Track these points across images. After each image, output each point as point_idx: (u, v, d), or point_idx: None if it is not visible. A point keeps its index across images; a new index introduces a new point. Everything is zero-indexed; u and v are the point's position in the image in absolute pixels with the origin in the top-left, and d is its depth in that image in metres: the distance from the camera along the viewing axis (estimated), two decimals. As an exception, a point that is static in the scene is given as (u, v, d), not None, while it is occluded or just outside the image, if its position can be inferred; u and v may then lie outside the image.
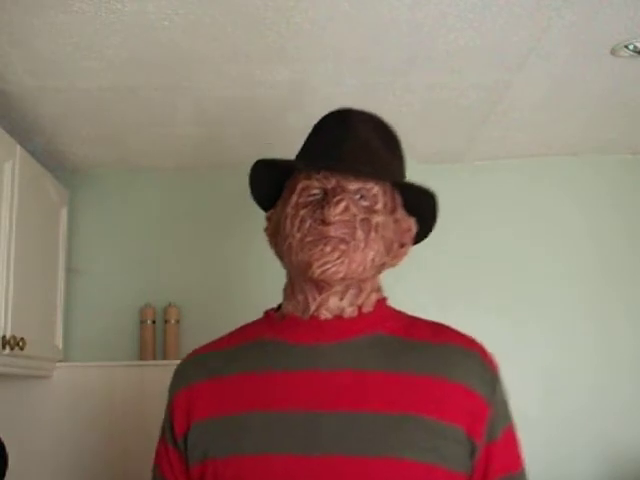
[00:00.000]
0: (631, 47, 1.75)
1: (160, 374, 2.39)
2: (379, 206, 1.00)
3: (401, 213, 1.05)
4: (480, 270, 2.49)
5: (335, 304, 1.00)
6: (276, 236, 1.05)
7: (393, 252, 1.05)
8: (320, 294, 1.00)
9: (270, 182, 1.07)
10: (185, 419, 1.01)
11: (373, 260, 0.99)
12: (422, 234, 1.11)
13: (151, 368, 2.36)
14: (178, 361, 2.77)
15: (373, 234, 0.98)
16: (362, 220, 0.98)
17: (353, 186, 0.98)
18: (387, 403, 0.92)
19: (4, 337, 1.82)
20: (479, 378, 0.97)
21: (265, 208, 1.12)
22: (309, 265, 0.95)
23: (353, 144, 1.00)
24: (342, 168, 0.98)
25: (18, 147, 1.97)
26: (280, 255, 1.04)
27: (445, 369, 0.96)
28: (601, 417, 2.36)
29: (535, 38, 1.70)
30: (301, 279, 1.00)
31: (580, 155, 2.59)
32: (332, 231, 0.96)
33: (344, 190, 0.98)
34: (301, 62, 1.79)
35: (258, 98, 2.01)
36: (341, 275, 0.96)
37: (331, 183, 0.98)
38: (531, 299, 2.47)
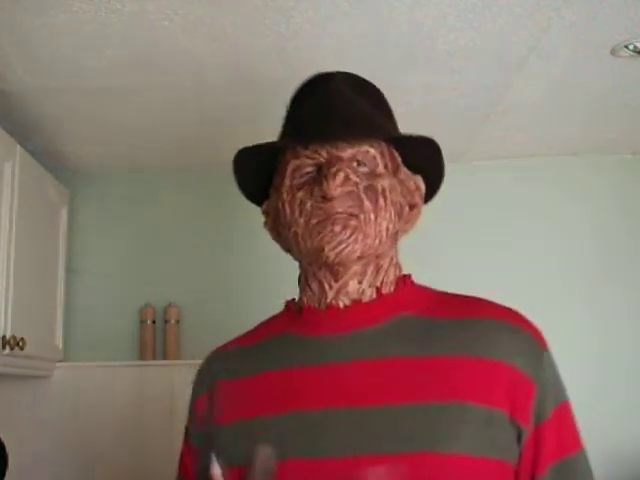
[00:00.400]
0: (631, 47, 1.75)
1: (160, 374, 2.41)
2: (380, 169, 0.91)
3: (404, 172, 0.96)
4: (480, 270, 2.49)
5: (354, 288, 0.91)
6: (277, 228, 0.97)
7: (405, 216, 0.95)
8: (337, 280, 0.90)
9: (257, 173, 0.98)
10: (207, 422, 0.95)
11: (387, 230, 0.90)
12: (431, 191, 1.01)
13: (151, 368, 2.36)
14: (178, 361, 2.76)
15: (382, 201, 0.89)
16: (366, 188, 0.88)
17: (347, 153, 0.89)
18: (421, 391, 0.82)
19: (4, 337, 1.82)
20: (522, 354, 0.85)
21: (257, 202, 1.03)
22: (320, 249, 0.87)
23: (337, 109, 0.91)
24: (331, 135, 0.89)
25: (18, 147, 1.97)
26: (286, 246, 0.96)
27: (483, 346, 0.85)
28: (601, 417, 2.36)
29: (535, 38, 1.70)
30: (314, 267, 0.92)
31: (580, 155, 2.59)
32: (337, 206, 0.86)
33: (339, 159, 0.88)
34: (301, 62, 1.79)
35: (258, 98, 2.01)
36: (357, 254, 0.87)
37: (322, 156, 0.89)
38: (531, 298, 2.46)
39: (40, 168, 2.17)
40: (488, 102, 2.09)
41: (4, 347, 1.82)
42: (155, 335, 2.43)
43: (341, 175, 0.87)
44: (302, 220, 0.89)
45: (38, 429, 2.31)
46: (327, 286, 0.91)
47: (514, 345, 0.86)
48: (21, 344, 1.88)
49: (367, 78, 1.02)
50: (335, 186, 0.86)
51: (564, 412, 0.87)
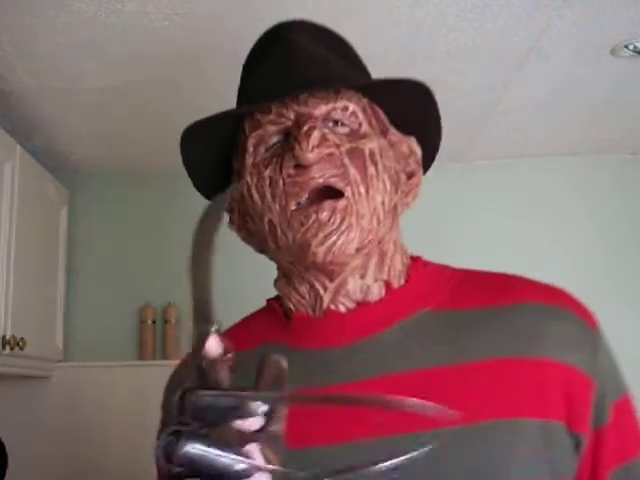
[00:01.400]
0: (631, 47, 1.75)
1: (160, 374, 2.39)
2: (365, 128, 0.71)
3: (394, 134, 0.76)
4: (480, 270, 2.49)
5: (356, 286, 0.71)
6: (247, 225, 0.76)
7: (402, 187, 0.75)
8: (332, 280, 0.70)
9: (214, 163, 0.79)
10: None
11: (383, 204, 0.70)
12: (428, 156, 0.81)
13: (151, 368, 2.36)
14: (177, 361, 2.75)
15: (372, 168, 0.69)
16: (350, 152, 0.69)
17: (320, 110, 0.70)
18: (461, 411, 0.62)
19: (4, 337, 1.82)
20: (575, 345, 0.69)
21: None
22: (306, 246, 0.67)
23: (298, 60, 0.73)
24: (292, 88, 0.70)
25: (18, 147, 1.98)
26: (260, 245, 0.76)
27: (527, 342, 0.68)
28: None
29: (535, 38, 1.70)
30: (299, 267, 0.71)
31: (580, 155, 2.59)
32: (316, 175, 0.67)
33: (310, 117, 0.69)
34: (301, 62, 1.80)
35: (258, 98, 2.02)
36: (355, 244, 0.67)
37: (289, 117, 0.70)
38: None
39: (40, 168, 2.17)
40: (488, 102, 2.09)
41: (4, 347, 1.82)
42: (155, 335, 2.43)
43: (316, 134, 0.67)
44: (277, 205, 0.69)
45: (38, 429, 2.31)
46: (321, 288, 0.71)
47: (564, 335, 0.69)
48: (21, 344, 1.88)
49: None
50: (312, 146, 0.67)
51: (626, 407, 0.71)
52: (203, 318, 0.49)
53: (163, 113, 2.11)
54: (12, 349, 1.85)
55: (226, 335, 0.74)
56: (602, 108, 2.17)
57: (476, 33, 1.68)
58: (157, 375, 2.62)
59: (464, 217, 2.51)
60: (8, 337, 1.83)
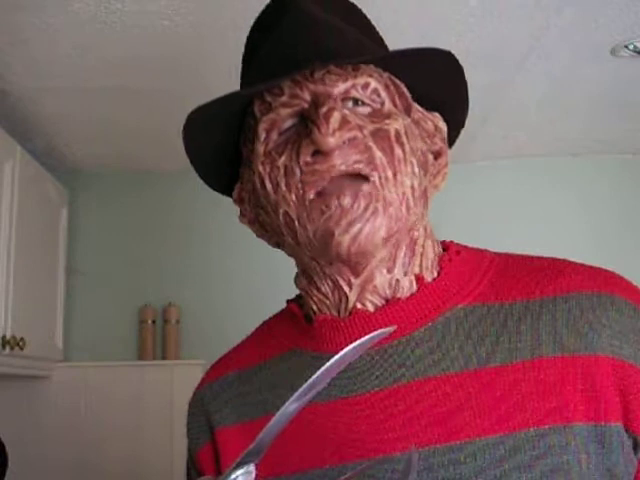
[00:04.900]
0: (631, 47, 1.75)
1: (160, 374, 2.41)
2: (388, 106, 0.64)
3: (418, 110, 0.70)
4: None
5: (384, 281, 0.64)
6: (259, 218, 0.70)
7: (430, 169, 0.69)
8: (357, 274, 0.64)
9: (221, 151, 0.71)
10: None
11: (413, 189, 0.63)
12: (453, 131, 0.76)
13: (151, 368, 2.36)
14: (178, 361, 2.75)
15: (398, 150, 0.62)
16: (374, 133, 0.62)
17: (339, 88, 0.63)
18: (505, 417, 0.59)
19: (4, 337, 1.82)
20: (627, 335, 0.61)
21: (227, 191, 0.75)
22: (329, 236, 0.60)
23: (313, 31, 0.64)
24: (305, 62, 0.62)
25: (18, 147, 1.98)
26: (275, 239, 0.70)
27: (572, 337, 0.61)
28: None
29: (535, 38, 1.70)
30: (322, 261, 0.65)
31: (580, 155, 2.59)
32: (337, 161, 0.60)
33: (328, 97, 0.62)
34: (301, 62, 1.79)
35: (258, 98, 2.02)
36: (382, 233, 0.61)
37: (304, 98, 0.63)
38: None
39: (40, 168, 2.17)
40: (488, 102, 2.09)
41: (4, 347, 1.82)
42: (155, 335, 2.43)
43: (336, 115, 0.60)
44: (293, 196, 0.62)
45: (38, 429, 2.31)
46: (345, 285, 0.65)
47: (615, 326, 0.61)
48: (21, 344, 1.88)
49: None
50: (332, 129, 0.60)
51: None
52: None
53: (163, 113, 2.11)
54: (12, 349, 1.85)
55: (249, 340, 0.77)
56: (602, 108, 2.17)
57: (476, 33, 1.68)
58: (157, 375, 2.64)
59: (463, 217, 2.51)
60: (8, 337, 1.83)
